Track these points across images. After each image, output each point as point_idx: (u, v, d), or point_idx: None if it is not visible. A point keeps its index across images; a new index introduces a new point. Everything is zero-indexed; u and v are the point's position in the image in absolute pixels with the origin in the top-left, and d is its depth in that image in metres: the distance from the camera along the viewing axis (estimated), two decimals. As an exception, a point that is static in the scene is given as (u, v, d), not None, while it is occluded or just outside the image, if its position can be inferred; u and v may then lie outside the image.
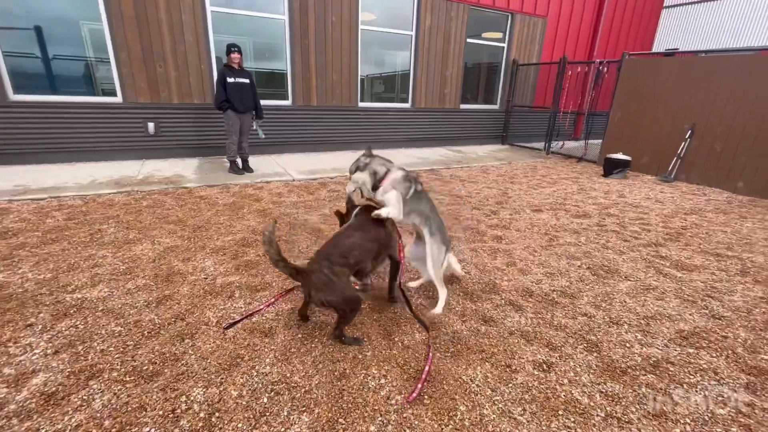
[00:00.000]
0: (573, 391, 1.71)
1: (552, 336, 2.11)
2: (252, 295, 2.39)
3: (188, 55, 5.87)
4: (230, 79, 5.05)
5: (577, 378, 1.80)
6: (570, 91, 8.43)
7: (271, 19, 6.42)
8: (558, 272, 2.87)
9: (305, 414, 1.54)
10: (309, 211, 4.00)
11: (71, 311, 2.16)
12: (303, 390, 1.66)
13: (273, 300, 2.32)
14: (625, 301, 2.50)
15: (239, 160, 5.55)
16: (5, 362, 1.76)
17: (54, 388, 1.61)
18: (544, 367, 1.86)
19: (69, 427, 1.44)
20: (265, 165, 5.99)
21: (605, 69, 7.33)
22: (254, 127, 5.53)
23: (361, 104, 7.59)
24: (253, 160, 5.94)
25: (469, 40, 8.36)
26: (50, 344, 1.88)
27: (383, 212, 2.08)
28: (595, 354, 1.97)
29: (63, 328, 2.01)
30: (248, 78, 5.22)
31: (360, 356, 1.88)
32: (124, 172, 5.18)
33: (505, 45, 8.95)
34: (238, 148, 5.42)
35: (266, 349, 1.90)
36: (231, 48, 5.07)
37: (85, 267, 2.64)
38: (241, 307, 2.25)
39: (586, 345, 2.04)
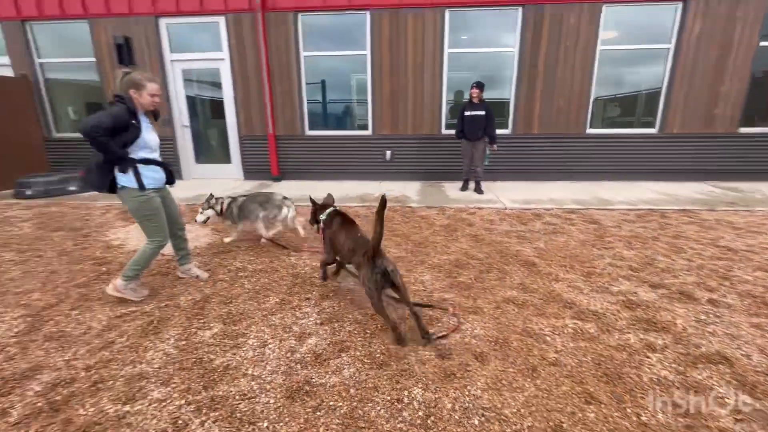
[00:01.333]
0: None
1: None
2: (465, 316, 2.50)
3: (425, 92, 6.79)
4: (467, 113, 5.89)
5: None
6: None
7: (500, 53, 6.69)
8: None
9: (516, 454, 1.49)
10: (521, 242, 3.88)
11: (330, 294, 2.82)
12: (514, 427, 1.61)
13: (456, 326, 2.36)
14: None
15: (472, 183, 6.34)
16: (294, 321, 2.46)
17: (321, 350, 2.14)
18: None
19: (328, 383, 1.88)
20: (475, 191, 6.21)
21: None
22: (487, 152, 6.07)
23: (589, 131, 6.86)
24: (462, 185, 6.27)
25: (763, 43, 6.29)
26: (319, 317, 2.51)
27: None
28: None
29: (325, 307, 2.64)
30: (484, 110, 5.79)
31: (579, 415, 1.68)
32: (365, 190, 6.43)
33: (832, 43, 6.27)
34: (468, 170, 6.22)
35: (478, 373, 1.95)
36: (473, 84, 5.82)
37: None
38: (454, 324, 2.39)
39: None
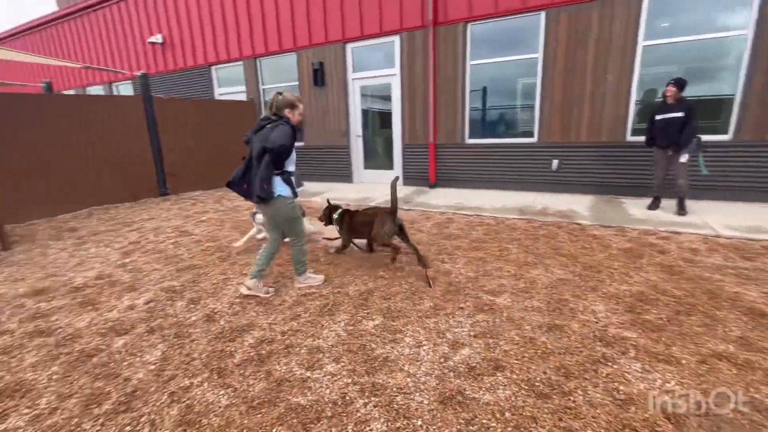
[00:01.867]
0: None
1: None
2: (652, 363, 2.06)
3: (606, 94, 5.92)
4: (658, 116, 4.94)
5: None
6: None
7: (721, 39, 5.27)
8: None
9: None
10: (743, 283, 2.96)
11: (485, 308, 2.74)
12: None
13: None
14: None
15: (665, 200, 5.26)
16: (447, 328, 2.48)
17: (474, 364, 2.10)
18: None
19: (482, 400, 1.83)
20: (670, 210, 5.03)
21: None
22: (682, 160, 4.81)
23: None
24: (666, 203, 5.15)
25: None
26: (472, 329, 2.47)
27: None
28: None
29: (480, 320, 2.58)
30: (682, 111, 4.71)
31: None
32: (525, 201, 6.01)
33: None
34: (660, 184, 5.18)
35: (671, 438, 1.57)
36: (670, 82, 4.82)
37: (495, 275, 3.28)
38: (638, 372, 1.99)
39: None
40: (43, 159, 6.02)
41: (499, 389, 1.90)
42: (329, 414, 1.77)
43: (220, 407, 1.84)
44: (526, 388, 1.91)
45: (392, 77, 7.71)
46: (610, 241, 4.05)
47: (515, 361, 2.12)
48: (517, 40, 6.54)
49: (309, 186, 8.36)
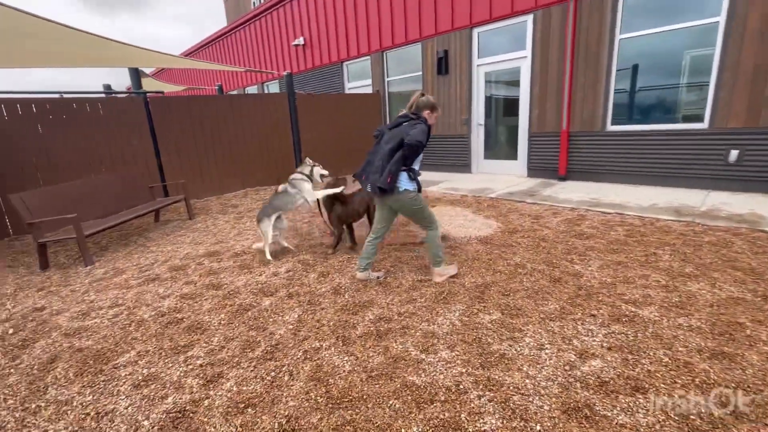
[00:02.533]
0: None
1: None
2: None
3: (826, 62, 4.42)
4: None
5: None
6: None
7: None
8: None
9: None
10: None
11: (623, 319, 2.38)
12: None
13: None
14: None
15: None
16: (575, 335, 2.25)
17: (608, 379, 1.86)
18: None
19: (617, 420, 1.61)
20: None
21: None
22: None
23: None
24: None
25: None
26: (606, 339, 2.19)
27: None
28: None
29: (616, 331, 2.26)
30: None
31: None
32: (684, 200, 4.97)
33: None
34: None
35: None
36: None
37: (639, 284, 2.82)
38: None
39: None
40: (214, 149, 7.46)
41: (639, 413, 1.65)
42: (443, 398, 1.80)
43: (344, 371, 2.04)
44: (677, 419, 1.61)
45: (521, 60, 7.16)
46: (816, 257, 3.07)
47: (663, 385, 1.80)
48: (685, 3, 5.35)
49: (426, 176, 8.47)
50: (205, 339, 2.46)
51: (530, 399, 1.77)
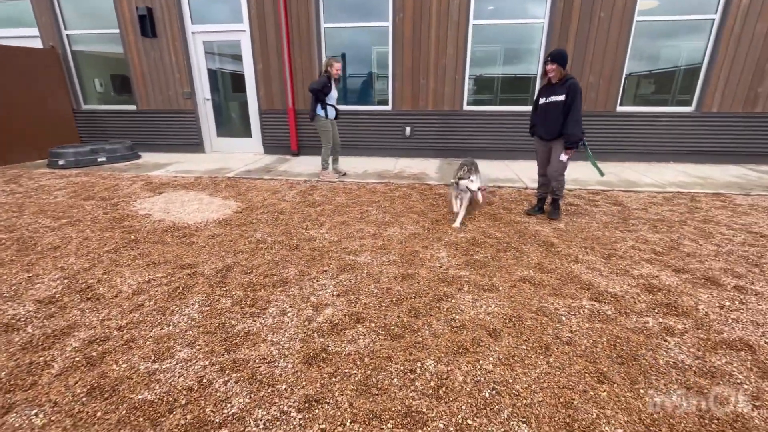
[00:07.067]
0: None
1: None
2: (480, 293, 2.52)
3: (447, 67, 6.59)
4: (542, 100, 3.80)
5: None
6: None
7: (527, 24, 6.38)
8: None
9: (524, 425, 1.52)
10: (540, 222, 3.82)
11: (347, 268, 2.87)
12: (524, 401, 1.64)
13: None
14: None
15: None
16: (312, 292, 2.53)
17: (337, 321, 2.21)
18: None
19: (344, 351, 1.95)
20: (497, 170, 6.08)
21: None
22: (563, 158, 3.73)
23: (620, 108, 6.54)
24: (491, 164, 6.13)
25: (821, 13, 5.76)
26: (335, 288, 2.57)
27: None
28: None
29: (342, 279, 2.70)
30: (564, 94, 3.56)
31: (591, 393, 1.69)
32: (384, 166, 6.39)
33: None
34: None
35: (490, 349, 1.98)
36: (548, 59, 3.59)
37: (356, 237, 3.45)
38: (470, 302, 2.41)
39: None
40: None
41: (359, 339, 2.06)
42: (184, 401, 1.64)
43: (35, 428, 1.51)
44: (383, 333, 2.11)
45: (241, 34, 6.96)
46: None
47: (374, 311, 2.31)
48: (372, 5, 6.61)
49: (151, 158, 7.15)
50: None
51: (276, 364, 1.87)
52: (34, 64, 6.90)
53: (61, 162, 6.21)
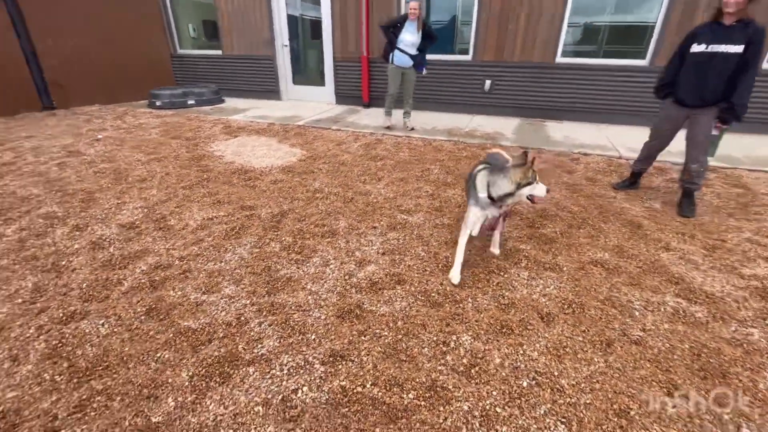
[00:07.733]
0: None
1: None
2: (539, 272, 2.24)
3: (543, 11, 5.70)
4: (697, 47, 2.70)
5: None
6: None
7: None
8: None
9: (563, 426, 1.34)
10: (630, 199, 3.27)
11: (398, 226, 2.76)
12: (568, 400, 1.44)
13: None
14: None
15: None
16: (358, 247, 2.48)
17: (377, 279, 2.14)
18: None
19: (378, 311, 1.89)
20: (586, 134, 5.31)
21: None
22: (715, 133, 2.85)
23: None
24: (580, 127, 5.38)
25: None
26: (382, 246, 2.49)
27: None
28: None
29: (390, 238, 2.60)
30: (744, 43, 2.51)
31: (655, 405, 1.41)
32: (456, 123, 5.96)
33: None
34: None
35: (539, 334, 1.76)
36: None
37: (413, 195, 3.29)
38: (525, 279, 2.16)
39: None
40: None
41: (396, 301, 1.97)
42: (221, 335, 1.73)
43: (97, 338, 1.71)
44: (422, 298, 2.00)
45: (320, -26, 6.72)
46: (526, 162, 4.21)
47: (416, 275, 2.19)
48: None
49: (232, 103, 7.55)
50: None
51: (310, 313, 1.88)
52: (139, 9, 7.49)
53: (158, 103, 6.84)
